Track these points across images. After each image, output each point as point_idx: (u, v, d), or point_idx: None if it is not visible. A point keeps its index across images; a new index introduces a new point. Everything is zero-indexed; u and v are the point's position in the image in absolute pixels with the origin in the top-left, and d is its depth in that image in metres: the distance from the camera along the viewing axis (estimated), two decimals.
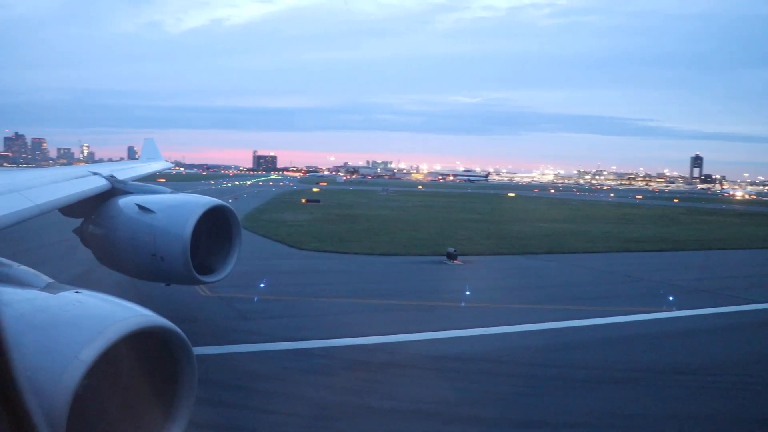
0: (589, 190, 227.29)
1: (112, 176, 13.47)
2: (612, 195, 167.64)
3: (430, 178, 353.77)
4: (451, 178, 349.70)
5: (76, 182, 11.87)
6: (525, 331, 17.40)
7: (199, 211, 12.02)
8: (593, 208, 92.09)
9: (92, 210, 12.71)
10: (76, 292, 4.71)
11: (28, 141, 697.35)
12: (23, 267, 5.61)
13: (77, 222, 13.63)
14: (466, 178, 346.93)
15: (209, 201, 12.69)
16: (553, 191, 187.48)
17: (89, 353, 3.82)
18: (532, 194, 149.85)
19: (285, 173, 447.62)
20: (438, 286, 24.12)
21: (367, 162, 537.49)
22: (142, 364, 4.62)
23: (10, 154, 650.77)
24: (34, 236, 25.79)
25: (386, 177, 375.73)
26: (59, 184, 10.95)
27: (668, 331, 18.19)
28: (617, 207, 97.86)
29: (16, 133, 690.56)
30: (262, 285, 22.48)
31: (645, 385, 13.18)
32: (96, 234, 12.83)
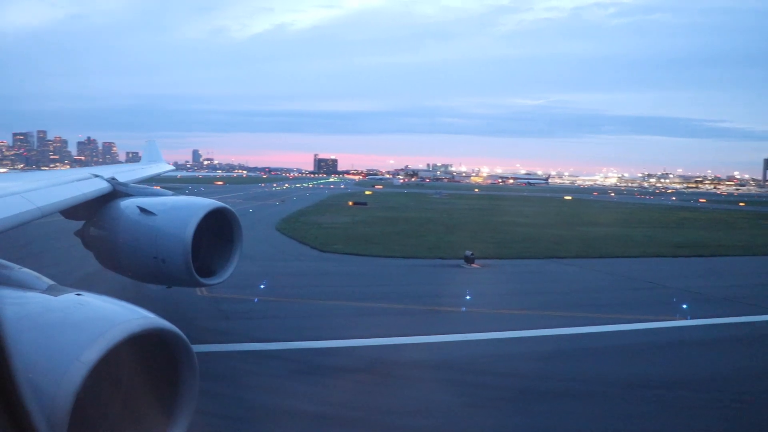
0: (652, 193, 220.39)
1: (113, 178, 13.47)
2: (674, 198, 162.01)
3: (489, 181, 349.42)
4: (511, 181, 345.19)
5: (78, 184, 11.88)
6: (508, 338, 16.70)
7: (201, 214, 11.95)
8: (648, 211, 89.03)
9: (94, 212, 12.70)
10: (78, 294, 4.76)
11: (100, 145, 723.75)
12: (25, 269, 5.63)
13: (79, 224, 13.61)
14: (525, 181, 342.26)
15: (210, 203, 12.64)
16: (612, 194, 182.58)
17: (91, 355, 3.84)
18: (589, 197, 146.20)
19: (345, 176, 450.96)
20: (439, 290, 23.52)
21: (428, 165, 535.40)
22: (143, 366, 4.63)
23: (83, 158, 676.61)
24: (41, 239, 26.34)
25: (445, 180, 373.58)
26: (61, 187, 11.01)
27: (660, 342, 17.11)
28: (674, 211, 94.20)
29: (89, 137, 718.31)
30: (262, 286, 22.44)
31: (602, 399, 12.39)
32: (97, 236, 12.81)
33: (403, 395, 12.38)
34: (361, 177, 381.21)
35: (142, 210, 11.87)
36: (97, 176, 13.31)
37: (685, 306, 20.75)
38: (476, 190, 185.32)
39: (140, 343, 4.36)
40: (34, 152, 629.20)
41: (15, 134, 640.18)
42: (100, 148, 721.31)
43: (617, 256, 34.54)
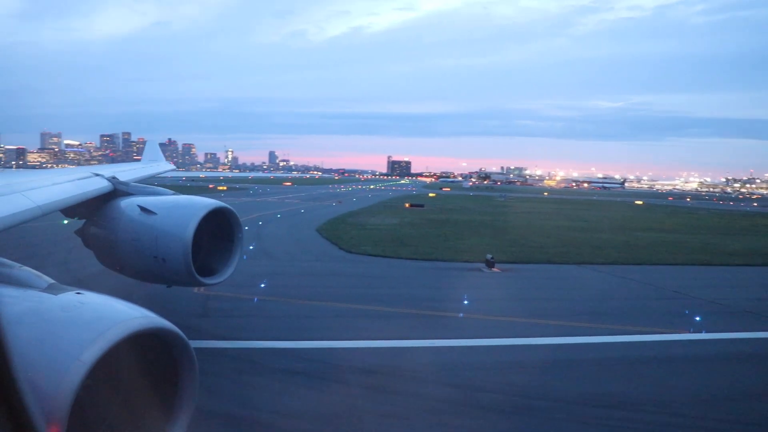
0: (734, 199, 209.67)
1: (114, 177, 13.67)
2: (755, 204, 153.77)
3: (563, 185, 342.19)
4: (586, 185, 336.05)
5: (79, 183, 12.03)
6: (479, 346, 15.90)
7: (201, 213, 12.00)
8: (720, 218, 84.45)
9: (94, 211, 12.86)
10: (78, 293, 4.78)
11: (180, 146, 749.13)
12: (25, 268, 5.67)
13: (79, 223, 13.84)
14: (600, 185, 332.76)
15: (211, 203, 12.64)
16: (689, 199, 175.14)
17: (91, 354, 3.85)
18: (662, 203, 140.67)
19: (418, 178, 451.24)
20: (438, 294, 22.71)
21: (502, 168, 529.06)
22: (143, 365, 4.65)
23: (164, 158, 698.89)
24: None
25: (518, 183, 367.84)
26: (61, 185, 11.11)
27: (645, 357, 15.73)
28: (749, 217, 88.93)
29: (169, 139, 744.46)
30: (262, 285, 22.35)
31: (535, 416, 11.42)
32: (97, 235, 12.96)
33: (321, 399, 11.88)
34: (433, 179, 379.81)
35: (143, 209, 11.92)
36: (97, 175, 13.49)
37: (697, 318, 19.21)
38: (545, 193, 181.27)
39: (140, 342, 4.36)
40: (119, 153, 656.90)
41: (102, 136, 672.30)
42: (180, 149, 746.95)
43: (658, 264, 32.71)
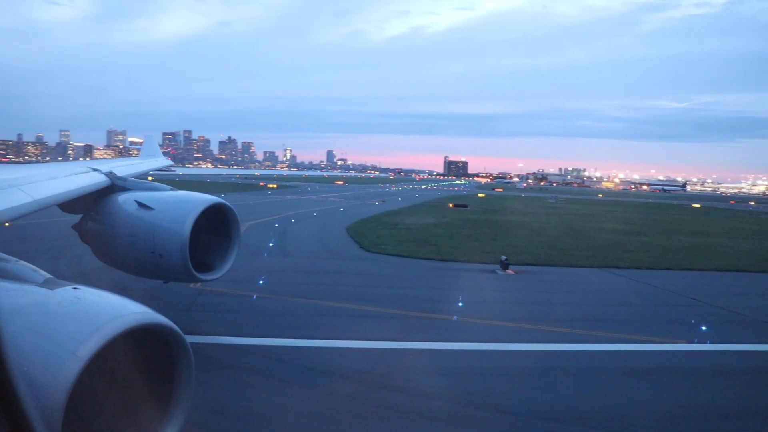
0: None
1: (111, 172, 13.64)
2: None
3: (621, 187, 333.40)
4: (645, 187, 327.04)
5: (76, 178, 11.95)
6: (450, 351, 15.33)
7: (198, 209, 12.00)
8: None
9: (91, 206, 12.89)
10: (74, 288, 4.73)
11: (239, 144, 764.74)
12: (21, 262, 5.64)
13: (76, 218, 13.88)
14: (660, 187, 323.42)
15: (208, 199, 12.63)
16: (753, 203, 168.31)
17: (86, 350, 3.84)
18: (722, 206, 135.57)
19: (474, 179, 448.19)
20: (437, 295, 22.11)
21: (559, 169, 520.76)
22: (139, 361, 4.63)
23: (224, 156, 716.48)
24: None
25: (574, 185, 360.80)
26: (58, 180, 11.04)
27: (637, 368, 14.74)
28: None
29: (229, 137, 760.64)
30: (261, 282, 22.27)
31: (472, 425, 10.77)
32: (95, 230, 12.99)
33: (254, 397, 11.53)
34: (488, 180, 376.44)
35: (140, 204, 11.93)
36: (95, 170, 13.44)
37: (703, 328, 18.04)
38: (600, 195, 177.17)
39: (136, 337, 4.34)
40: (180, 150, 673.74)
41: (164, 134, 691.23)
42: (239, 147, 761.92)
43: (688, 269, 31.21)
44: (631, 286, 25.60)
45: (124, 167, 17.14)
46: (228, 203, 13.33)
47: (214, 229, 13.29)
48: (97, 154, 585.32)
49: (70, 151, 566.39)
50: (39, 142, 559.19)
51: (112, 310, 4.40)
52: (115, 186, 13.05)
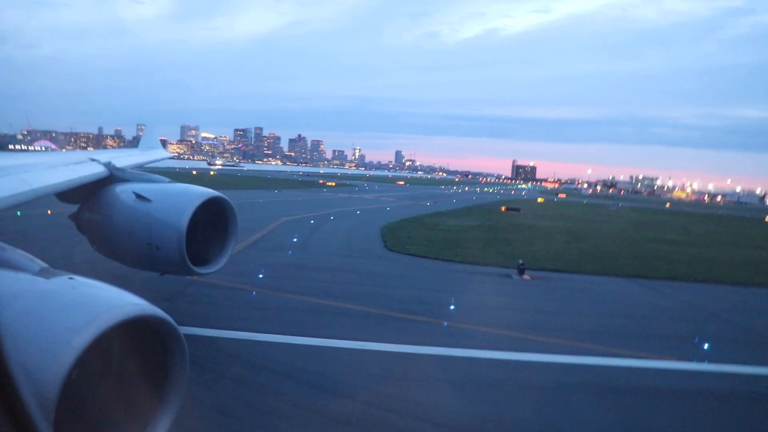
0: None
1: (110, 163, 13.63)
2: None
3: (694, 197, 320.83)
4: (719, 198, 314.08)
5: (74, 168, 12.00)
6: (420, 354, 14.60)
7: (196, 202, 11.90)
8: None
9: (89, 196, 12.88)
10: (70, 278, 4.74)
11: (308, 142, 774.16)
12: (18, 251, 5.64)
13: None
14: (736, 199, 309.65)
15: (206, 192, 12.54)
16: None
17: (81, 340, 3.83)
18: None
19: (542, 184, 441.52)
20: (436, 298, 21.22)
21: (631, 177, 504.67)
22: (133, 352, 4.65)
23: (293, 153, 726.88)
24: None
25: (644, 193, 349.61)
26: (56, 169, 11.10)
27: (619, 385, 13.66)
28: None
29: (299, 135, 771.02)
30: (260, 276, 22.22)
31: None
32: (92, 221, 12.99)
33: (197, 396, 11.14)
34: (556, 185, 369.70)
35: (138, 196, 11.85)
36: (93, 160, 13.42)
37: (706, 346, 16.71)
38: (667, 205, 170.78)
39: (131, 329, 4.33)
40: (251, 147, 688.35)
41: (236, 130, 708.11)
42: (309, 145, 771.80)
43: (726, 283, 29.32)
44: (650, 298, 24.16)
45: (123, 158, 17.09)
46: (226, 197, 13.08)
47: (212, 222, 13.10)
48: (170, 148, 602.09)
49: None
50: (117, 135, 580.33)
51: (108, 300, 4.39)
52: (113, 177, 12.92)
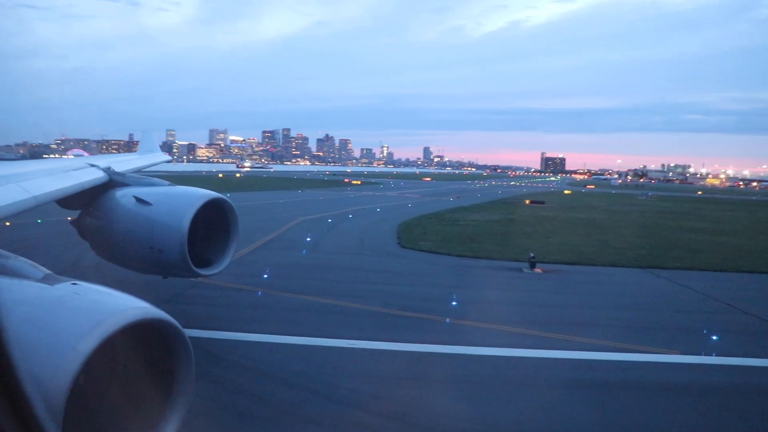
0: None
1: (109, 168, 13.74)
2: None
3: (728, 184, 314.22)
4: (755, 184, 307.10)
5: (74, 174, 12.12)
6: (403, 351, 14.39)
7: (197, 204, 11.94)
8: None
9: (90, 202, 12.94)
10: (74, 283, 4.77)
11: (336, 142, 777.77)
12: (21, 258, 5.70)
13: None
14: None
15: (207, 194, 12.55)
16: None
17: (87, 345, 3.86)
18: None
19: (572, 175, 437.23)
20: (439, 294, 20.97)
21: (662, 165, 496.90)
22: (139, 355, 4.70)
23: (321, 153, 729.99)
24: None
25: (676, 181, 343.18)
26: (57, 176, 11.21)
27: (605, 380, 13.21)
28: None
29: (327, 135, 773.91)
30: (265, 276, 22.18)
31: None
32: (93, 226, 13.05)
33: None
34: (585, 176, 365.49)
35: (139, 200, 11.86)
36: (93, 165, 13.47)
37: (714, 338, 16.16)
38: (699, 192, 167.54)
39: (136, 333, 4.35)
40: (279, 148, 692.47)
41: (264, 132, 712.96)
42: (337, 144, 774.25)
43: (749, 272, 28.49)
44: (664, 289, 23.51)
45: (122, 163, 17.11)
46: (226, 198, 13.05)
47: (214, 224, 13.09)
48: (199, 152, 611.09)
49: (174, 150, 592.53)
50: None
51: (112, 305, 4.39)
52: (113, 181, 12.95)
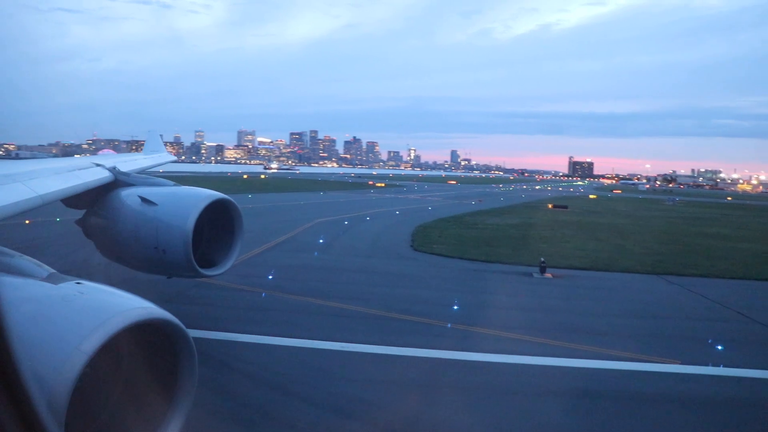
0: None
1: (114, 168, 13.81)
2: None
3: (760, 189, 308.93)
4: None
5: (79, 173, 12.17)
6: (372, 354, 14.21)
7: (202, 204, 11.94)
8: None
9: (95, 201, 13.00)
10: (78, 283, 4.83)
11: (364, 144, 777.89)
12: (25, 257, 5.79)
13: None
14: None
15: (212, 194, 12.57)
16: None
17: (90, 344, 3.90)
18: None
19: (599, 180, 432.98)
20: (440, 298, 20.64)
21: (692, 170, 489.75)
22: (142, 355, 4.74)
23: (348, 155, 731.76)
24: None
25: (706, 187, 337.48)
26: (62, 175, 11.26)
27: (580, 389, 12.81)
28: None
29: (354, 137, 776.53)
30: (270, 277, 22.22)
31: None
32: (98, 225, 13.10)
33: None
34: (613, 181, 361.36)
35: (144, 200, 11.89)
36: (98, 165, 13.53)
37: (719, 347, 15.72)
38: (729, 198, 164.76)
39: (140, 332, 4.39)
40: (307, 150, 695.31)
41: (291, 134, 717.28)
42: (364, 147, 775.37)
43: (755, 279, 27.88)
44: (675, 297, 22.97)
45: (127, 162, 17.17)
46: (231, 199, 12.97)
47: (218, 224, 13.05)
48: (227, 153, 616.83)
49: (203, 151, 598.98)
50: (176, 142, 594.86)
51: (116, 305, 4.42)
52: (118, 181, 12.95)
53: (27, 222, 28.73)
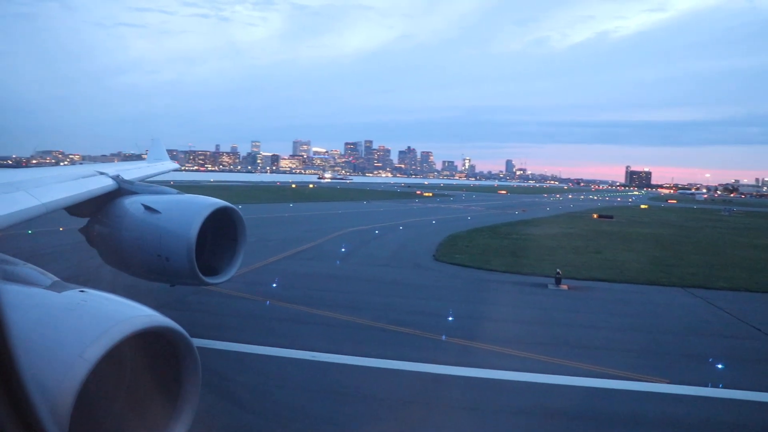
0: None
1: (118, 176, 13.99)
2: None
3: None
4: None
5: (83, 181, 12.35)
6: (342, 364, 13.84)
7: (205, 213, 12.01)
8: None
9: (98, 209, 13.05)
10: (81, 291, 4.86)
11: (418, 154, 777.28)
12: (29, 265, 5.84)
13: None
14: None
15: (215, 202, 12.66)
16: None
17: (94, 352, 3.92)
18: None
19: (657, 190, 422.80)
20: (444, 309, 20.03)
21: (756, 180, 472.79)
22: (146, 363, 4.75)
23: (403, 165, 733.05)
24: None
25: None
26: (66, 183, 11.43)
27: (567, 408, 12.20)
28: None
29: (409, 147, 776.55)
30: (274, 285, 22.24)
31: None
32: (102, 233, 13.20)
33: None
34: (671, 191, 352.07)
35: (147, 208, 11.99)
36: (102, 173, 13.68)
37: (720, 366, 14.82)
38: None
39: (143, 340, 4.39)
40: (361, 160, 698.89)
41: (346, 144, 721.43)
42: (419, 156, 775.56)
43: None
44: (693, 310, 21.83)
45: (130, 171, 17.23)
46: (235, 207, 12.97)
47: (222, 232, 13.06)
48: (282, 163, 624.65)
49: (258, 161, 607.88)
50: (233, 152, 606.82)
51: (120, 313, 4.39)
52: (122, 189, 13.04)
53: (29, 232, 29.36)
